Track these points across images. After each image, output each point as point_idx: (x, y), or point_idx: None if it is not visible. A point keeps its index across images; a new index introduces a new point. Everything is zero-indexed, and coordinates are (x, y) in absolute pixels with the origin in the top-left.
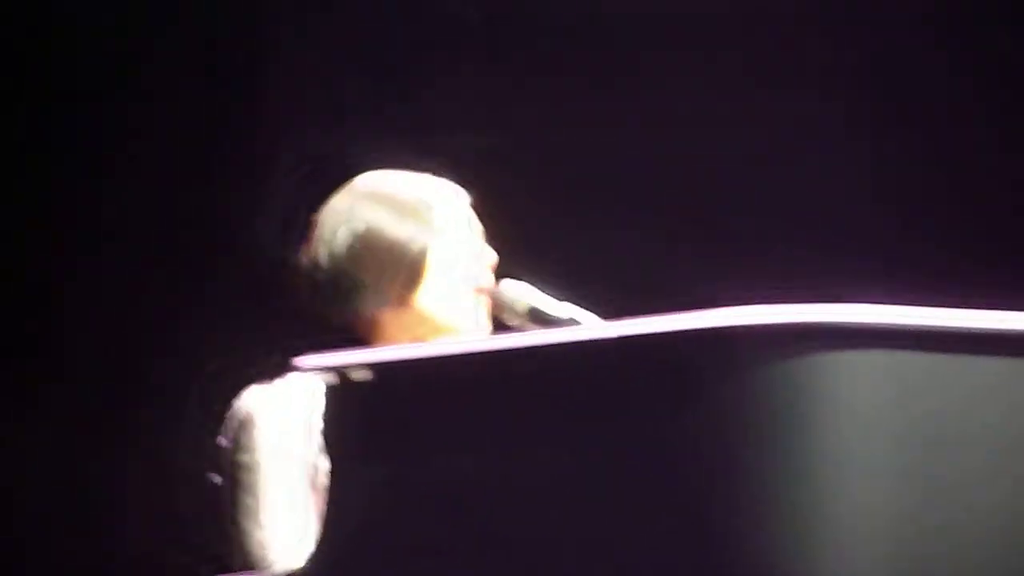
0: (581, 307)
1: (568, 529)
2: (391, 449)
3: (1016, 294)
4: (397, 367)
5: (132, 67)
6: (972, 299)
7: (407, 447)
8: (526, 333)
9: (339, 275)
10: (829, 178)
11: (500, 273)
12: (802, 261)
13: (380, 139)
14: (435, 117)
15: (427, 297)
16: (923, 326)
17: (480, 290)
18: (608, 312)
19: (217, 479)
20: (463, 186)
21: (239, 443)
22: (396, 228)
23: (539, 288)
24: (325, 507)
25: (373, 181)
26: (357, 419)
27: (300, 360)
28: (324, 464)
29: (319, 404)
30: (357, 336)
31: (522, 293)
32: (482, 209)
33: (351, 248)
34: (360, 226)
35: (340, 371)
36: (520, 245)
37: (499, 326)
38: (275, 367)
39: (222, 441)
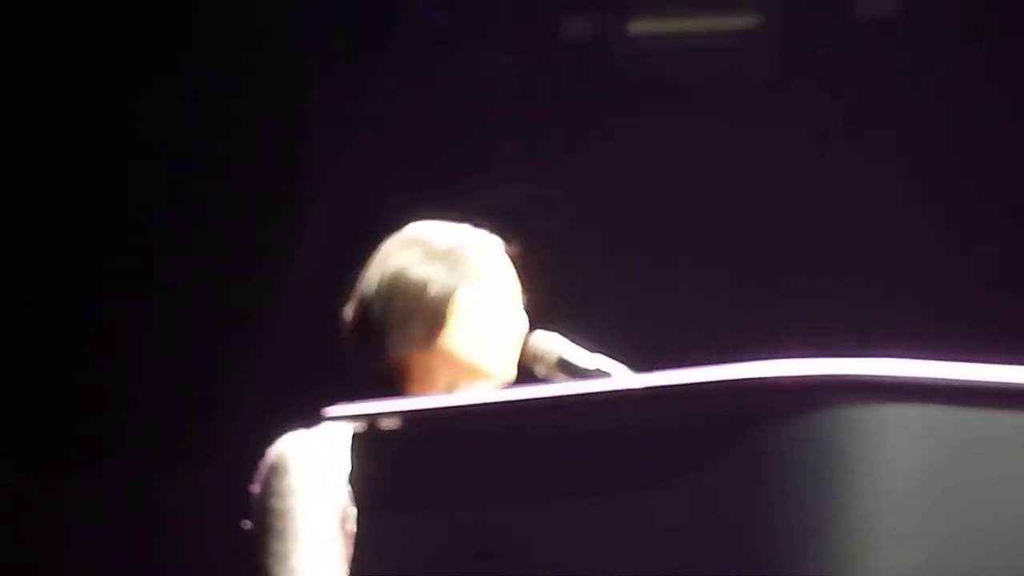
0: (615, 359)
1: None
2: (418, 498)
3: None
4: (425, 417)
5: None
6: None
7: (434, 496)
8: (554, 385)
9: (369, 316)
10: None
11: (534, 322)
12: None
13: (427, 192)
14: (481, 169)
15: (454, 340)
16: (958, 380)
17: (511, 338)
18: (644, 364)
19: (248, 524)
20: (505, 237)
21: (271, 489)
22: (422, 269)
23: (573, 339)
24: (354, 554)
25: (415, 229)
26: (385, 468)
27: (330, 409)
28: (353, 511)
29: (349, 452)
30: (393, 385)
31: (553, 344)
32: (522, 260)
33: (379, 289)
34: (390, 269)
35: (369, 420)
36: (558, 296)
37: (526, 375)
38: (307, 415)
39: (254, 487)
